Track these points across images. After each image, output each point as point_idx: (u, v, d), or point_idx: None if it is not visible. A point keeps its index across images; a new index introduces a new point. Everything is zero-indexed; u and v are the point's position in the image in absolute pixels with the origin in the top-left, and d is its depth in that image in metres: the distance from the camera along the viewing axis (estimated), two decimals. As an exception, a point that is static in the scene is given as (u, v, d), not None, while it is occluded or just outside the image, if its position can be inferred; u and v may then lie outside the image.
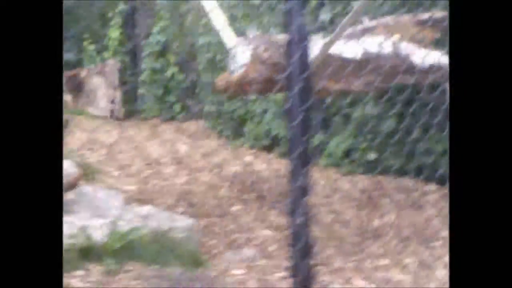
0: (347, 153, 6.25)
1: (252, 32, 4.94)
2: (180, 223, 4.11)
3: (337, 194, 5.68)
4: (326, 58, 4.05)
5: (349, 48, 4.56)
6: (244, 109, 7.08)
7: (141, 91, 8.40)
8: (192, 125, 7.83)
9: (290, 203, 2.29)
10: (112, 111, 8.30)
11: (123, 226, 3.80)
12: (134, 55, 8.54)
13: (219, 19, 4.58)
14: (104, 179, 5.39)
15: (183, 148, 6.91)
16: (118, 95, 8.26)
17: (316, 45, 4.04)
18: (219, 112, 7.35)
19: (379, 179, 5.88)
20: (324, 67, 3.97)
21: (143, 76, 8.22)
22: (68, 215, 3.89)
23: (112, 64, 8.30)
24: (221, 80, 4.37)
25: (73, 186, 4.12)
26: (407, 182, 5.82)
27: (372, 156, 6.00)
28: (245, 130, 6.98)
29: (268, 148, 6.90)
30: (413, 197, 5.61)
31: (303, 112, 2.19)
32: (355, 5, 5.29)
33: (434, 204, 5.50)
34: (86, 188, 4.46)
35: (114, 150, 6.67)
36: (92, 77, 8.19)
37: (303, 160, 2.24)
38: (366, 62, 4.45)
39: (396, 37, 4.65)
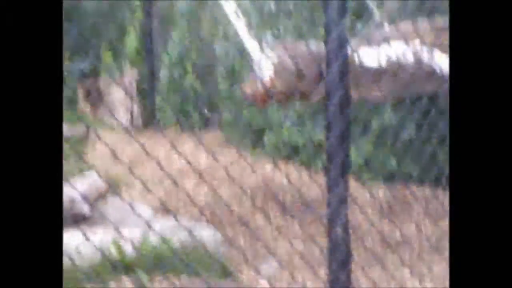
0: (367, 162, 6.24)
1: (267, 39, 4.95)
2: (206, 234, 4.11)
3: (358, 203, 5.66)
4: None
5: (369, 55, 4.56)
6: (262, 119, 7.06)
7: (159, 100, 8.39)
8: (211, 135, 7.82)
9: (329, 214, 2.27)
10: (131, 121, 8.30)
11: (153, 238, 3.80)
12: (152, 65, 8.54)
13: (241, 26, 4.59)
14: (127, 190, 5.38)
15: (202, 158, 6.89)
16: (136, 105, 8.27)
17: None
18: (237, 122, 7.33)
19: (399, 187, 5.87)
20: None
21: (161, 86, 8.22)
22: (97, 227, 3.90)
23: (130, 74, 8.31)
24: (247, 88, 4.37)
25: (101, 198, 4.13)
26: (427, 190, 5.80)
27: (392, 164, 5.99)
28: (264, 140, 6.96)
29: (287, 158, 6.88)
30: (434, 205, 5.60)
31: (343, 121, 2.17)
32: (376, 14, 5.29)
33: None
34: (113, 200, 4.46)
35: (135, 162, 6.67)
36: (110, 87, 8.21)
37: (342, 171, 2.22)
38: (386, 70, 4.44)
39: (416, 43, 4.64)
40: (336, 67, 2.24)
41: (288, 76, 4.16)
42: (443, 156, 5.48)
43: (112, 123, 8.16)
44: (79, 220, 4.07)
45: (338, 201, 2.30)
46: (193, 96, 8.03)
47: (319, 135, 6.53)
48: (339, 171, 2.30)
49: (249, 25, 5.56)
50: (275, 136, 6.90)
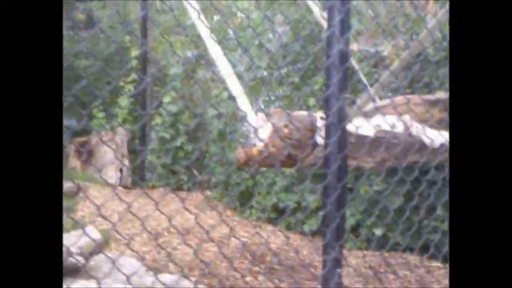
0: (354, 229, 6.42)
1: (258, 105, 5.17)
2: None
3: (344, 269, 5.80)
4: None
5: (364, 126, 4.79)
6: (251, 181, 7.26)
7: (149, 160, 8.57)
8: (199, 195, 7.98)
9: (323, 275, 2.44)
10: (120, 179, 8.46)
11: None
12: (143, 125, 8.77)
13: (237, 91, 4.81)
14: (117, 246, 5.51)
15: (191, 218, 7.03)
16: (126, 163, 8.45)
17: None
18: (226, 183, 7.53)
19: (385, 255, 6.03)
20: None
21: (152, 145, 8.44)
22: (92, 282, 4.02)
23: (122, 132, 8.52)
24: (240, 153, 4.56)
25: (97, 252, 4.27)
26: (413, 259, 5.97)
27: (379, 232, 6.16)
28: (253, 202, 7.14)
29: (275, 220, 7.06)
30: (419, 273, 5.75)
31: (339, 189, 2.37)
32: (371, 88, 5.56)
33: (439, 281, 5.64)
34: (106, 255, 4.59)
35: (124, 219, 6.81)
36: (101, 144, 8.39)
37: (337, 235, 2.41)
38: (379, 141, 4.66)
39: (407, 116, 4.89)
40: (335, 138, 2.45)
41: (283, 144, 4.37)
42: (431, 225, 5.68)
43: (101, 179, 8.31)
44: (73, 272, 4.21)
45: (333, 263, 2.47)
46: (184, 157, 8.25)
47: (307, 199, 6.74)
48: (335, 235, 2.48)
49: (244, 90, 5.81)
50: (263, 199, 7.09)
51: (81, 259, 4.40)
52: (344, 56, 2.50)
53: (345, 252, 6.26)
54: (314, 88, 6.87)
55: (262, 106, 7.14)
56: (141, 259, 5.46)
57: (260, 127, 4.37)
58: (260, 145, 4.47)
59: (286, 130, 4.47)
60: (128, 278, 3.44)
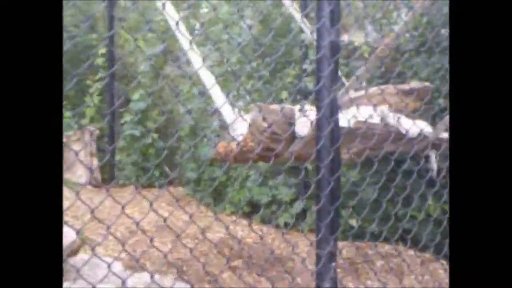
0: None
1: (228, 101, 5.09)
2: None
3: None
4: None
5: (339, 118, 4.75)
6: (225, 177, 7.19)
7: (119, 158, 8.44)
8: (172, 192, 7.87)
9: (318, 269, 2.39)
10: (90, 179, 8.31)
11: (127, 293, 3.85)
12: (112, 122, 8.62)
13: (212, 85, 4.73)
14: (92, 246, 5.39)
15: (164, 215, 6.94)
16: (96, 162, 8.30)
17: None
18: (199, 179, 7.44)
19: (361, 245, 6.01)
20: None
21: (122, 143, 8.30)
22: (70, 283, 3.92)
23: (91, 131, 8.36)
24: (220, 148, 4.49)
25: (75, 253, 4.16)
26: (389, 248, 5.96)
27: (354, 223, 6.14)
28: (226, 197, 7.07)
29: (249, 215, 7.00)
30: (395, 263, 5.75)
31: (332, 183, 2.32)
32: (344, 81, 5.52)
33: (414, 271, 5.65)
34: (83, 256, 4.48)
35: (96, 218, 6.68)
36: (70, 144, 8.23)
37: (332, 229, 2.36)
38: (355, 132, 4.64)
39: (384, 107, 4.86)
40: (327, 131, 2.40)
41: (262, 137, 4.31)
42: (406, 215, 5.67)
43: (71, 179, 8.15)
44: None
45: (327, 258, 2.43)
46: (154, 154, 8.13)
47: (282, 193, 6.69)
48: (329, 229, 2.43)
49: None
50: (237, 194, 7.03)
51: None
52: (335, 48, 2.45)
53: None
54: (286, 81, 6.83)
55: (232, 101, 7.07)
56: (117, 259, 5.37)
57: (239, 122, 4.31)
58: (239, 139, 4.41)
59: (264, 124, 4.42)
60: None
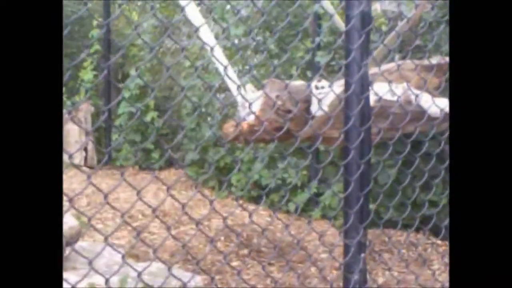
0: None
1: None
2: (181, 280, 4.09)
3: (336, 248, 5.72)
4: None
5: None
6: (230, 158, 7.10)
7: (116, 137, 8.36)
8: (173, 175, 7.81)
9: (346, 260, 2.32)
10: (85, 159, 8.23)
11: (130, 283, 3.79)
12: (108, 99, 8.53)
13: (221, 60, 4.63)
14: (90, 233, 5.33)
15: (166, 199, 6.87)
16: (91, 141, 8.22)
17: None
18: (202, 161, 7.35)
19: (378, 232, 5.95)
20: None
21: (119, 121, 8.20)
22: (70, 272, 3.86)
23: (85, 109, 8.27)
24: (229, 128, 4.41)
25: (75, 240, 4.09)
26: (407, 235, 5.91)
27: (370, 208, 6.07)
28: (232, 180, 6.99)
29: (257, 200, 6.92)
30: (415, 251, 5.69)
31: (362, 166, 2.24)
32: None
33: (437, 258, 5.60)
34: (82, 243, 4.42)
35: (94, 202, 6.62)
36: (63, 122, 8.14)
37: (361, 217, 2.29)
38: (375, 110, 4.55)
39: (404, 83, 4.76)
40: (358, 110, 2.31)
41: (275, 116, 4.23)
42: (425, 201, 5.60)
43: (65, 159, 8.08)
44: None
45: (356, 248, 2.36)
46: (154, 134, 8.05)
47: (292, 176, 6.61)
48: (358, 217, 2.36)
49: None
50: (243, 177, 6.94)
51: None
52: (366, 18, 2.36)
53: (332, 230, 6.19)
54: (295, 56, 6.72)
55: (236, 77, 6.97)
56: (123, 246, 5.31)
57: (251, 99, 4.22)
58: (250, 118, 4.33)
59: (279, 102, 4.33)
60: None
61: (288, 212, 6.54)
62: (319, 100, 2.50)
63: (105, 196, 2.21)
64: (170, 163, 7.96)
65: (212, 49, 3.15)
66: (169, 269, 2.51)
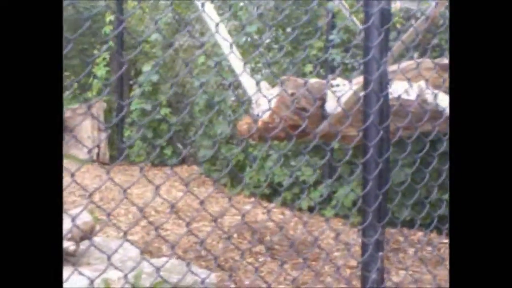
0: (355, 203, 6.31)
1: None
2: (199, 277, 4.11)
3: (348, 247, 5.72)
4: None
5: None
6: (243, 155, 7.12)
7: (128, 133, 8.38)
8: (185, 171, 7.84)
9: (364, 259, 2.33)
10: (98, 155, 8.27)
11: (144, 279, 3.80)
12: (121, 95, 8.56)
13: (236, 58, 4.63)
14: (104, 229, 5.36)
15: (178, 196, 6.90)
16: (103, 137, 8.26)
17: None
18: (215, 158, 7.37)
19: (391, 231, 5.95)
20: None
21: (131, 118, 8.22)
22: (85, 267, 3.88)
23: (98, 104, 8.30)
24: (243, 125, 4.42)
25: (90, 235, 4.12)
26: (424, 234, 5.90)
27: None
28: (244, 177, 7.00)
29: (269, 197, 6.94)
30: (431, 250, 5.69)
31: (381, 164, 2.24)
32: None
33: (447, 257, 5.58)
34: (96, 238, 4.44)
35: (106, 198, 6.65)
36: (76, 118, 8.18)
37: (379, 215, 2.29)
38: (394, 108, 4.54)
39: (421, 82, 4.75)
40: (377, 108, 2.32)
41: (290, 113, 4.23)
42: (440, 200, 5.59)
43: (77, 155, 8.12)
44: (64, 258, 4.05)
45: (374, 247, 2.36)
46: (166, 129, 8.06)
47: (305, 175, 6.62)
48: (376, 216, 2.36)
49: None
50: (256, 174, 6.95)
51: (71, 245, 4.25)
52: (386, 15, 2.37)
53: (346, 228, 6.19)
54: (310, 53, 6.72)
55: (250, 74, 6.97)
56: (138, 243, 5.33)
57: (265, 96, 4.23)
58: (265, 116, 4.33)
59: (292, 99, 4.33)
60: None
61: (300, 210, 6.55)
62: (338, 98, 2.50)
63: (124, 191, 2.22)
64: (182, 160, 7.99)
65: (231, 45, 3.14)
66: (188, 264, 2.52)
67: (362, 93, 2.76)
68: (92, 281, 2.44)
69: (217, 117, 7.31)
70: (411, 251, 5.67)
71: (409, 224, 5.78)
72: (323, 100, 4.30)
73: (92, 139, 8.23)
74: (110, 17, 8.67)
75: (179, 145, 8.19)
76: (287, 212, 6.63)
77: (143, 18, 9.02)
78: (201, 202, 2.46)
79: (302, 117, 4.25)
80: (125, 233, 2.32)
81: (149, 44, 8.39)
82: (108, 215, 2.35)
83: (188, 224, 2.68)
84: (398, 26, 5.92)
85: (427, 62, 4.88)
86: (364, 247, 2.38)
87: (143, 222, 6.02)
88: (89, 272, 3.90)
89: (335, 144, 6.12)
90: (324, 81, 4.44)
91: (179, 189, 7.11)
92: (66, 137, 8.37)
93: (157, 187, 2.34)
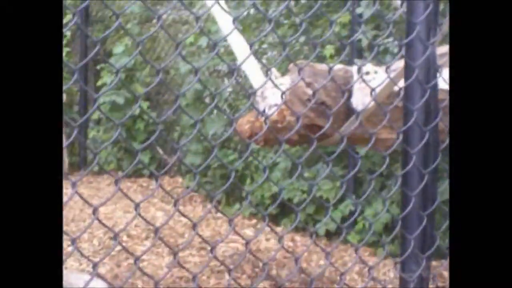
0: (388, 227, 6.30)
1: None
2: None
3: (380, 285, 5.72)
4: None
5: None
6: (242, 164, 7.10)
7: (93, 134, 8.39)
8: (168, 184, 7.83)
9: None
10: (54, 162, 8.27)
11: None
12: (85, 84, 8.56)
13: (235, 37, 4.61)
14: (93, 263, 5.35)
15: (158, 215, 6.89)
16: (62, 139, 8.25)
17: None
18: (207, 167, 7.35)
19: (438, 264, 5.92)
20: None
21: (98, 114, 8.20)
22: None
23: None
24: (244, 124, 4.39)
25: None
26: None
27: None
28: (244, 192, 6.99)
29: (275, 218, 6.91)
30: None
31: (426, 176, 2.23)
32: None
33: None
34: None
35: (65, 218, 6.62)
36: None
37: (422, 242, 2.27)
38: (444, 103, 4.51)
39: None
40: (422, 103, 2.28)
41: (304, 109, 4.20)
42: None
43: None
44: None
45: (417, 285, 2.33)
46: (144, 129, 8.06)
47: (322, 189, 6.60)
48: (419, 245, 2.33)
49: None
50: (259, 188, 6.94)
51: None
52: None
53: (375, 260, 6.17)
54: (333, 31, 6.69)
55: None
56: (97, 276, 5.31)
57: (274, 88, 4.20)
58: (272, 112, 4.31)
59: (309, 91, 4.31)
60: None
61: (316, 235, 6.53)
62: (373, 89, 2.46)
63: (94, 211, 2.20)
64: (163, 169, 7.98)
65: (234, 20, 3.12)
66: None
67: (401, 84, 2.73)
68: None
69: (209, 113, 7.29)
70: None
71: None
72: (348, 92, 4.28)
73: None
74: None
75: (160, 150, 8.18)
76: (298, 238, 6.62)
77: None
78: (194, 226, 2.43)
79: (322, 114, 4.24)
80: (94, 266, 2.29)
81: (122, 18, 8.37)
82: (73, 241, 2.32)
83: (175, 254, 2.64)
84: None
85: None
86: (403, 285, 2.35)
87: (114, 250, 6.01)
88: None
89: (361, 150, 6.12)
90: (350, 68, 4.42)
91: (159, 207, 7.10)
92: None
93: (137, 205, 2.31)
